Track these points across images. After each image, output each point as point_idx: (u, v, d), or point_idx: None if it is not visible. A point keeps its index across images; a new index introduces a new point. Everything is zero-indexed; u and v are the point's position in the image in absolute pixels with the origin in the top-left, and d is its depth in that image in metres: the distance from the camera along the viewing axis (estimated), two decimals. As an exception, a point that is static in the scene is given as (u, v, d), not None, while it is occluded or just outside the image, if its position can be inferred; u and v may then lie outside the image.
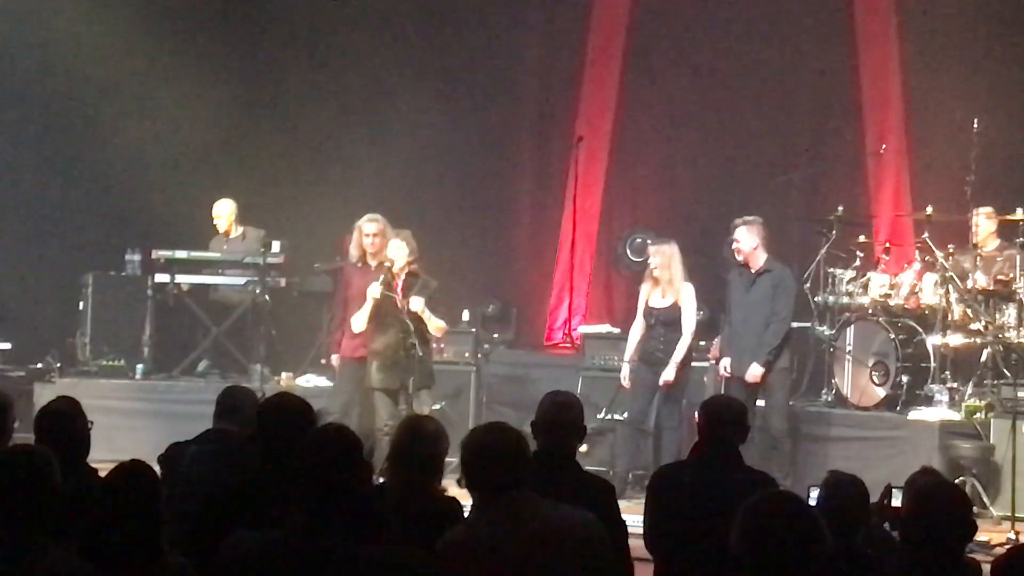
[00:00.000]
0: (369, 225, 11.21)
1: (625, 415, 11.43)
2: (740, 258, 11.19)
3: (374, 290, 10.71)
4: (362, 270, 11.26)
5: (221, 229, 13.41)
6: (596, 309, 14.76)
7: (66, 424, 5.93)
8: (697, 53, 14.63)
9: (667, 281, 11.18)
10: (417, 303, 10.66)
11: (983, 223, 11.76)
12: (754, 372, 10.94)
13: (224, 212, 13.37)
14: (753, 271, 11.12)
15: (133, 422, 12.01)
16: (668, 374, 11.06)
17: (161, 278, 13.00)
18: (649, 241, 11.77)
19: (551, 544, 4.58)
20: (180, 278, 13.00)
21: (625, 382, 11.34)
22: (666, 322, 11.14)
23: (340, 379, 11.48)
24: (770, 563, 3.81)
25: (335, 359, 11.51)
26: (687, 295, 11.17)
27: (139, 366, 12.86)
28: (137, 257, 13.20)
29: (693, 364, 11.49)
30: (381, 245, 11.10)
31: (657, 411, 11.17)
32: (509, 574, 4.55)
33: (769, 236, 11.25)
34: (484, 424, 4.97)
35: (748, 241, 11.09)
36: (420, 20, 14.96)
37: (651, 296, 11.28)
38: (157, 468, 5.64)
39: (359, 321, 10.81)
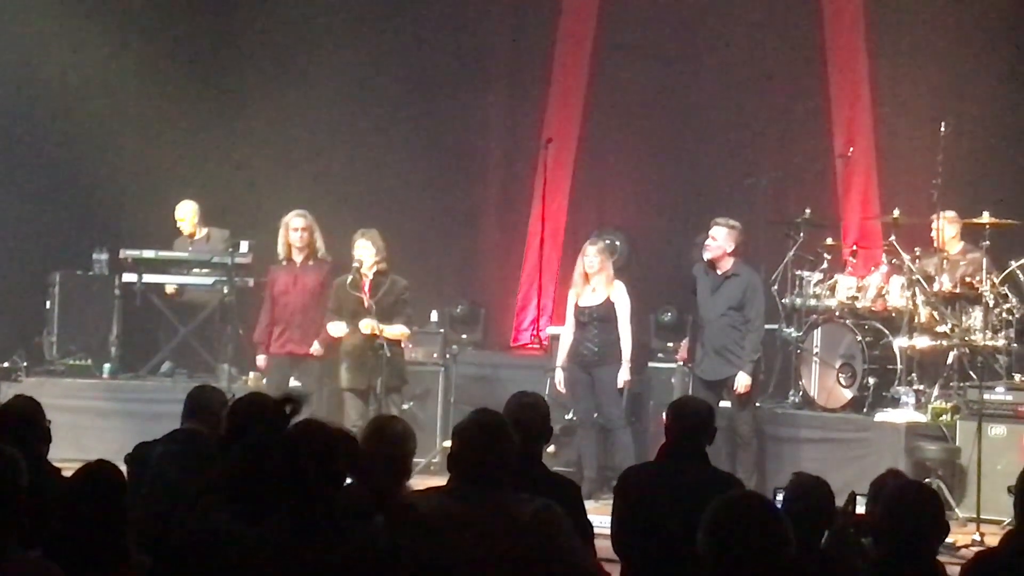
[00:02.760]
0: (296, 220, 11.44)
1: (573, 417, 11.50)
2: (708, 255, 11.16)
3: (338, 329, 10.95)
4: (287, 267, 11.40)
5: (186, 232, 13.33)
6: (563, 310, 14.74)
7: (26, 422, 5.90)
8: (665, 55, 14.64)
9: (601, 281, 11.20)
10: (375, 326, 10.72)
11: (946, 227, 11.81)
12: (743, 382, 10.93)
13: (187, 214, 13.30)
14: (720, 272, 11.13)
15: (100, 422, 11.99)
16: (624, 374, 11.09)
17: (128, 278, 12.95)
18: (590, 242, 11.78)
19: (508, 527, 4.62)
20: (148, 278, 12.94)
21: (560, 387, 11.37)
22: (601, 318, 11.17)
23: (269, 377, 11.56)
24: (735, 563, 3.82)
25: (261, 359, 11.62)
26: (620, 292, 11.22)
27: (106, 365, 12.82)
28: (104, 256, 13.16)
29: (660, 365, 11.50)
30: (308, 240, 11.32)
31: (603, 412, 11.20)
32: (469, 553, 4.59)
33: (743, 245, 11.28)
34: (480, 413, 4.96)
35: (723, 243, 11.08)
36: (387, 20, 14.90)
37: (581, 297, 11.30)
38: (124, 468, 5.63)
39: (338, 328, 10.92)
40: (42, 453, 5.86)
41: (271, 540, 4.29)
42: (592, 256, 11.26)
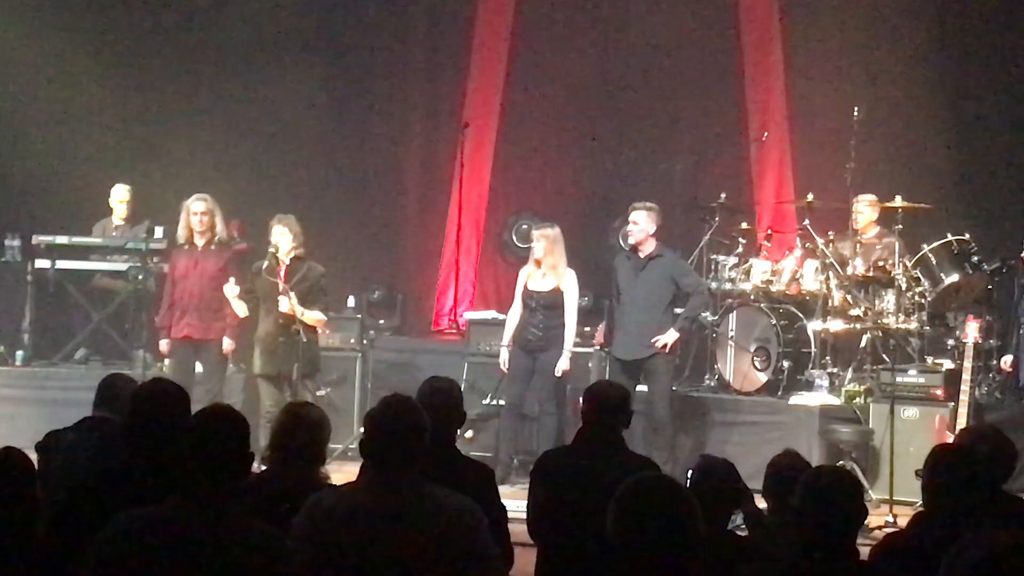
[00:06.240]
0: (197, 204, 11.35)
1: (502, 401, 11.48)
2: (631, 240, 11.20)
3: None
4: (188, 251, 11.33)
5: (124, 216, 13.13)
6: (482, 295, 14.77)
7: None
8: (583, 40, 14.69)
9: (550, 266, 11.19)
10: (295, 307, 10.65)
11: (864, 210, 11.92)
12: (668, 339, 10.96)
13: (128, 198, 13.14)
14: (643, 256, 11.15)
15: (12, 409, 11.87)
16: (564, 363, 11.06)
17: (41, 264, 12.80)
18: (534, 226, 11.79)
19: (428, 524, 4.59)
20: (61, 264, 12.79)
21: (504, 366, 11.35)
22: (548, 305, 11.14)
23: (172, 361, 11.47)
24: (644, 546, 3.84)
25: (164, 344, 11.52)
26: (570, 281, 11.18)
27: (19, 353, 12.67)
28: (17, 243, 12.98)
29: (577, 350, 11.54)
30: (209, 224, 11.27)
31: (537, 396, 11.20)
32: (382, 546, 4.56)
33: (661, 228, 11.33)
34: (391, 398, 4.92)
35: (645, 226, 11.10)
36: (303, 4, 14.82)
37: (531, 279, 11.29)
38: (34, 456, 5.57)
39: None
40: None
41: (168, 521, 4.21)
42: (537, 241, 11.25)
